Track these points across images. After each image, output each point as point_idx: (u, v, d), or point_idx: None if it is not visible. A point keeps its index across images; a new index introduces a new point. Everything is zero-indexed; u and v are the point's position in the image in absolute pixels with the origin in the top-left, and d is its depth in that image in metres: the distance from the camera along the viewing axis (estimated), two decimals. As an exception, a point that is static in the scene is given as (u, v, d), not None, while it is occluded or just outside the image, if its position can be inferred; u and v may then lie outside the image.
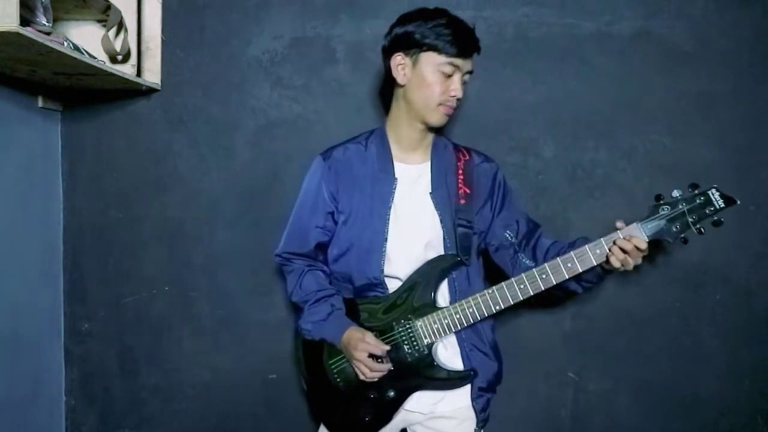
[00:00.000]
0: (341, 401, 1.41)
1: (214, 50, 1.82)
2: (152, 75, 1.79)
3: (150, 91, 1.81)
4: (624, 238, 1.25)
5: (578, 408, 1.82)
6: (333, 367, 1.41)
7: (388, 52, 1.35)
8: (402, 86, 1.35)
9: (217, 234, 1.85)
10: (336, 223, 1.42)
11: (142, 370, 1.89)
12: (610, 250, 1.27)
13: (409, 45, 1.30)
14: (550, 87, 1.76)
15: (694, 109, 1.75)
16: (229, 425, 1.88)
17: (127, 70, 1.68)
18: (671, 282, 1.77)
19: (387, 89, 1.45)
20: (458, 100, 1.33)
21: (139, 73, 1.75)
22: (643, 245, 1.25)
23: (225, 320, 1.86)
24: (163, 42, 1.80)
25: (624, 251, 1.26)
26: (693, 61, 1.74)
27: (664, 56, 1.74)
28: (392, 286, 1.39)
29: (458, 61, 1.29)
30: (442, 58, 1.28)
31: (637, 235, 1.26)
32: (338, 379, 1.40)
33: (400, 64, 1.33)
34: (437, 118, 1.34)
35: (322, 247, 1.47)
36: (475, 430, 1.41)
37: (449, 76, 1.30)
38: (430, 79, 1.30)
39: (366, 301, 1.41)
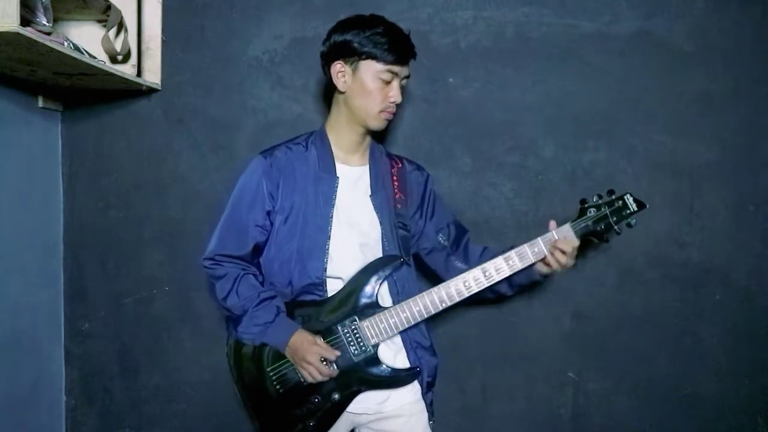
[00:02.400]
0: (281, 408, 1.38)
1: (214, 50, 1.82)
2: (152, 75, 1.79)
3: (150, 91, 1.81)
4: (561, 239, 1.34)
5: (578, 408, 1.82)
6: (272, 373, 1.37)
7: (327, 59, 1.38)
8: (342, 93, 1.37)
9: (217, 234, 1.84)
10: (272, 223, 1.40)
11: (142, 370, 1.89)
12: (551, 252, 1.34)
13: (349, 53, 1.33)
14: (550, 87, 1.77)
15: (694, 109, 1.75)
16: (229, 425, 1.88)
17: (127, 70, 1.68)
18: (671, 282, 1.77)
19: (330, 91, 1.43)
20: (397, 105, 1.36)
21: (139, 73, 1.75)
22: (576, 243, 1.35)
23: (225, 320, 1.86)
24: (163, 42, 1.80)
25: (563, 252, 1.34)
26: (693, 61, 1.74)
27: (664, 56, 1.74)
28: (332, 287, 1.38)
29: (396, 68, 1.32)
30: (380, 66, 1.31)
31: (570, 236, 1.36)
32: (278, 386, 1.37)
33: (339, 71, 1.35)
34: (378, 123, 1.38)
35: (257, 250, 1.42)
36: (430, 423, 1.44)
37: (388, 82, 1.33)
38: (370, 87, 1.33)
39: (305, 304, 1.38)
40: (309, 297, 1.38)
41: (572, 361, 1.81)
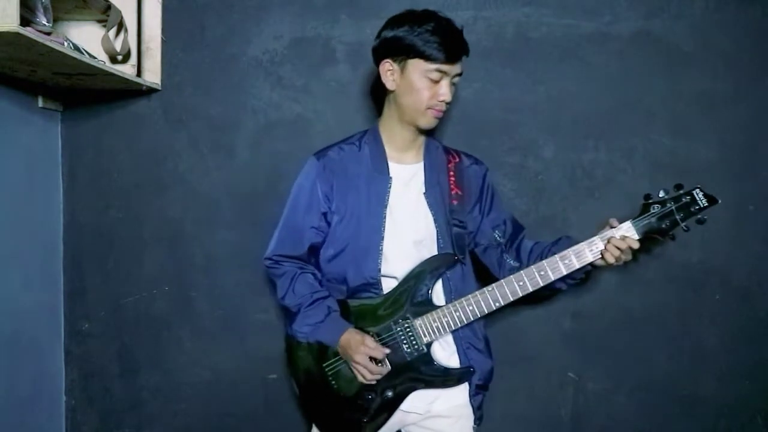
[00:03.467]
0: (337, 404, 1.40)
1: (214, 50, 1.82)
2: (152, 75, 1.79)
3: (150, 91, 1.81)
4: (619, 237, 1.31)
5: (578, 408, 1.82)
6: (328, 369, 1.40)
7: (377, 57, 1.37)
8: (392, 91, 1.36)
9: (217, 234, 1.85)
10: (329, 224, 1.41)
11: (142, 370, 1.89)
12: (606, 248, 1.32)
13: (397, 51, 1.31)
14: (550, 87, 1.77)
15: (694, 109, 1.75)
16: (229, 425, 1.88)
17: (127, 70, 1.68)
18: (671, 282, 1.77)
19: (379, 89, 1.44)
20: (448, 103, 1.34)
21: (139, 73, 1.75)
22: (636, 244, 1.31)
23: (225, 320, 1.86)
24: (163, 42, 1.80)
25: (619, 249, 1.31)
26: (693, 61, 1.74)
27: (664, 56, 1.74)
28: (387, 285, 1.39)
29: (445, 67, 1.29)
30: (428, 65, 1.29)
31: (630, 234, 1.32)
32: (333, 382, 1.40)
33: (389, 70, 1.34)
34: (427, 122, 1.36)
35: (313, 250, 1.45)
36: (473, 427, 1.42)
37: (437, 81, 1.31)
38: (418, 86, 1.31)
39: (360, 303, 1.40)
40: (365, 295, 1.39)
41: (572, 361, 1.81)
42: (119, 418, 1.90)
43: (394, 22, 1.33)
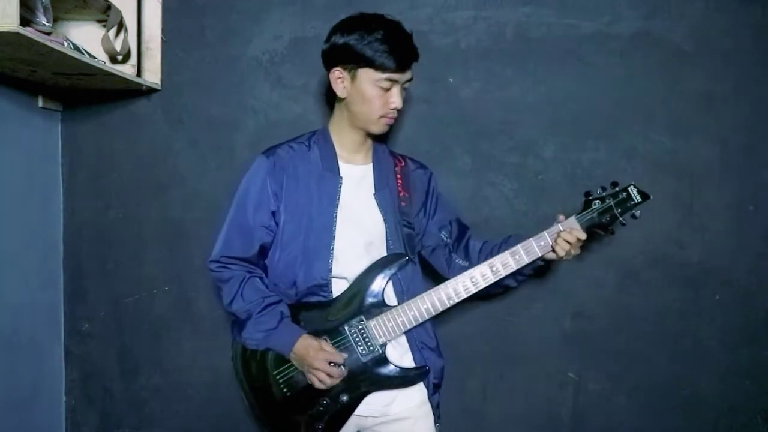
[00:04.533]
0: (290, 412, 1.37)
1: (214, 50, 1.82)
2: (152, 75, 1.79)
3: (150, 91, 1.81)
4: (566, 231, 1.35)
5: (578, 408, 1.82)
6: (279, 376, 1.36)
7: (326, 63, 1.36)
8: (343, 98, 1.36)
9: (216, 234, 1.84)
10: (278, 224, 1.39)
11: (142, 370, 1.89)
12: (556, 242, 1.35)
13: (347, 60, 1.30)
14: (550, 87, 1.77)
15: (694, 108, 1.75)
16: (229, 425, 1.88)
17: (127, 70, 1.68)
18: (671, 282, 1.77)
19: (331, 90, 1.41)
20: (398, 110, 1.34)
21: (139, 73, 1.75)
22: (583, 236, 1.36)
23: (225, 320, 1.85)
24: (163, 42, 1.80)
25: (568, 243, 1.34)
26: (693, 61, 1.74)
27: (664, 56, 1.74)
28: (337, 288, 1.37)
29: (396, 76, 1.29)
30: (379, 75, 1.28)
31: (576, 227, 1.36)
32: (285, 390, 1.36)
33: (339, 78, 1.33)
34: (378, 129, 1.37)
35: (262, 251, 1.41)
36: (436, 426, 1.43)
37: (388, 89, 1.31)
38: (369, 95, 1.31)
39: (310, 306, 1.37)
40: (314, 298, 1.37)
41: (572, 361, 1.81)
42: (119, 418, 1.90)
43: (343, 28, 1.31)
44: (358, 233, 1.38)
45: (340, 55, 1.32)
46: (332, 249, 1.35)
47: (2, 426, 1.63)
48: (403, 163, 1.50)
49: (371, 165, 1.45)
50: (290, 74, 1.81)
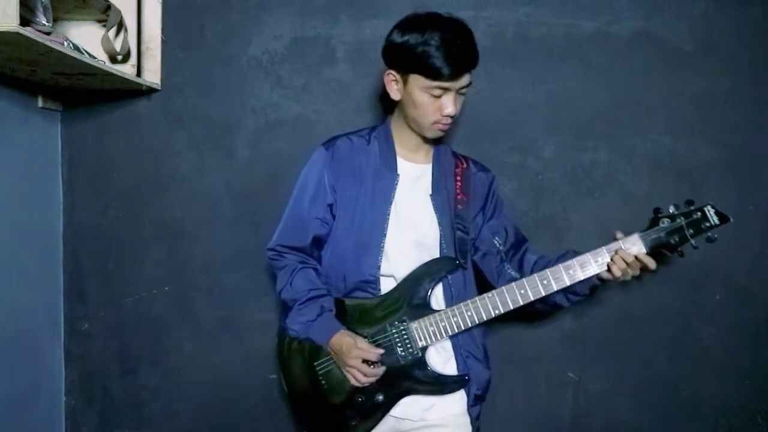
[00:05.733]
0: (325, 404, 1.37)
1: (214, 50, 1.82)
2: (152, 75, 1.78)
3: (150, 91, 1.81)
4: (625, 249, 1.27)
5: (578, 408, 1.82)
6: (319, 368, 1.37)
7: (385, 62, 1.34)
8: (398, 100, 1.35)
9: (217, 234, 1.84)
10: (334, 216, 1.39)
11: (142, 370, 1.89)
12: (612, 260, 1.27)
13: (399, 63, 1.28)
14: (550, 87, 1.77)
15: (694, 108, 1.75)
16: (229, 425, 1.88)
17: (127, 70, 1.68)
18: (671, 282, 1.77)
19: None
20: (453, 116, 1.30)
21: (139, 73, 1.75)
22: (652, 264, 1.27)
23: (225, 320, 1.86)
24: (163, 42, 1.80)
25: (626, 262, 1.27)
26: (693, 61, 1.74)
27: (664, 56, 1.74)
28: (385, 285, 1.36)
29: (447, 84, 1.24)
30: (429, 82, 1.24)
31: (637, 246, 1.28)
32: (323, 382, 1.36)
33: (392, 80, 1.32)
34: (432, 134, 1.35)
35: (317, 242, 1.42)
36: None
37: (439, 96, 1.27)
38: (419, 101, 1.27)
39: (357, 302, 1.37)
40: (362, 294, 1.36)
41: (572, 361, 1.81)
42: (119, 418, 1.90)
43: (401, 28, 1.28)
44: (411, 233, 1.36)
45: (394, 57, 1.29)
46: (383, 246, 1.34)
47: (2, 426, 1.62)
48: (464, 165, 1.46)
49: (431, 165, 1.42)
50: (290, 74, 1.81)
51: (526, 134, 1.78)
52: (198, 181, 1.84)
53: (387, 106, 1.45)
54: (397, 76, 1.30)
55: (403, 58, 1.27)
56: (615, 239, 1.30)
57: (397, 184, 1.37)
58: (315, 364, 1.37)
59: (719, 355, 1.78)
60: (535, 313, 1.61)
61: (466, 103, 1.77)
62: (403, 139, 1.40)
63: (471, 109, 1.78)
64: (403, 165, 1.39)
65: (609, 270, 1.28)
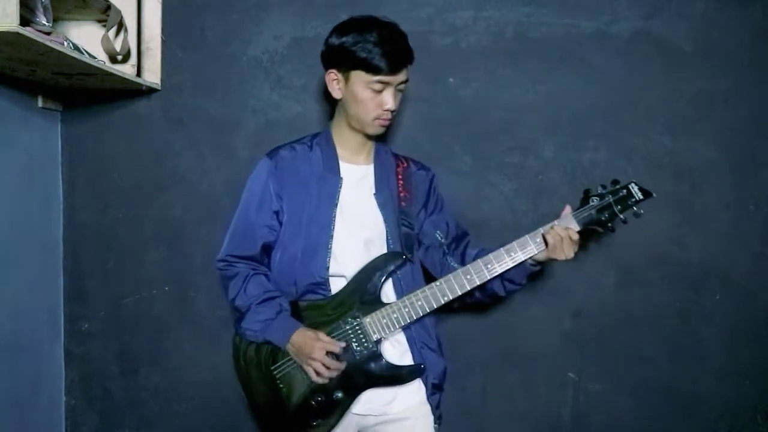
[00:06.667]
0: (285, 408, 1.38)
1: (214, 50, 1.82)
2: (152, 75, 1.79)
3: (150, 91, 1.81)
4: (560, 225, 1.34)
5: (578, 408, 1.82)
6: (276, 372, 1.38)
7: (324, 64, 1.40)
8: (339, 99, 1.39)
9: (217, 234, 1.83)
10: (281, 223, 1.42)
11: (142, 370, 1.89)
12: (548, 232, 1.34)
13: (340, 62, 1.34)
14: (550, 87, 1.77)
15: (694, 108, 1.75)
16: (229, 425, 1.88)
17: (127, 70, 1.68)
18: (671, 282, 1.77)
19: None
20: (393, 111, 1.35)
21: (139, 73, 1.75)
22: (575, 235, 1.34)
23: (225, 320, 1.85)
24: (163, 42, 1.80)
25: (559, 236, 1.33)
26: (693, 61, 1.74)
27: (664, 56, 1.74)
28: (335, 286, 1.39)
29: (388, 78, 1.31)
30: (370, 77, 1.30)
31: (570, 225, 1.35)
32: (281, 386, 1.37)
33: (334, 79, 1.37)
34: (374, 130, 1.39)
35: (266, 250, 1.44)
36: (435, 427, 1.42)
37: (380, 91, 1.32)
38: (362, 96, 1.33)
39: (310, 302, 1.39)
40: (313, 296, 1.39)
41: (572, 361, 1.81)
42: (119, 418, 1.90)
43: (339, 30, 1.35)
44: (358, 232, 1.40)
45: (335, 57, 1.36)
46: (330, 248, 1.37)
47: (2, 426, 1.63)
48: (405, 164, 1.52)
49: (372, 165, 1.47)
50: (290, 74, 1.81)
51: (526, 134, 1.78)
52: (198, 181, 1.84)
53: (333, 107, 1.47)
54: (339, 75, 1.36)
55: (344, 57, 1.32)
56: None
57: (341, 187, 1.41)
58: (272, 368, 1.38)
59: (719, 355, 1.78)
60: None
61: (467, 103, 1.78)
62: (344, 142, 1.45)
63: (471, 109, 1.78)
64: (345, 168, 1.43)
65: (546, 244, 1.34)
